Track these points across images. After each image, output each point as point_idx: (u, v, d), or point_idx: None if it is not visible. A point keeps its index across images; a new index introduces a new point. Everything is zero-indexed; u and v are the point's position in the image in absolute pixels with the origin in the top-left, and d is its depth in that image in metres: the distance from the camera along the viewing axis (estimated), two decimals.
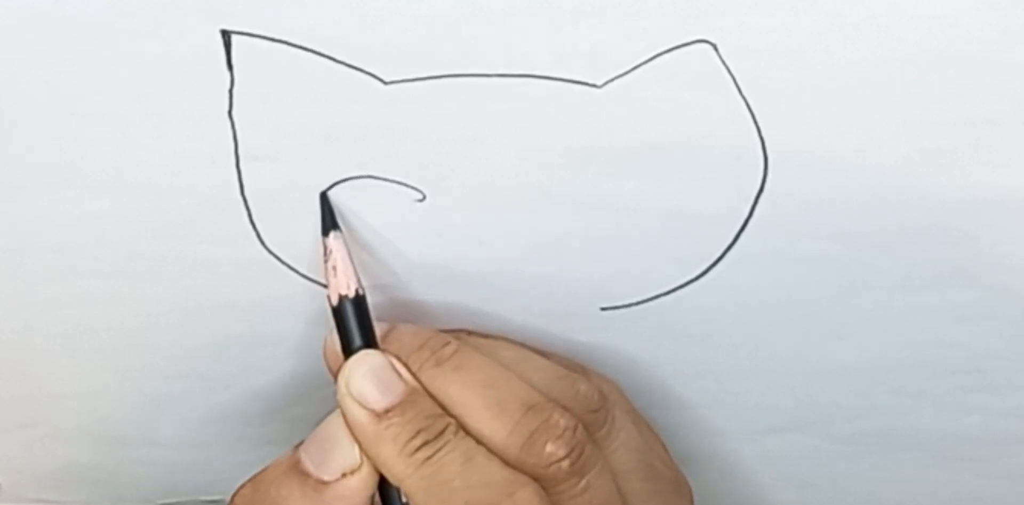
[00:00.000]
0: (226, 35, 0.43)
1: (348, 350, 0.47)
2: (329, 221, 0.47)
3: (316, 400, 0.53)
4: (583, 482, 0.47)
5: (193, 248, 0.48)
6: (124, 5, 0.42)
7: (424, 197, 0.47)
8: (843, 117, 0.43)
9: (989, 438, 0.52)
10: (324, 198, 0.47)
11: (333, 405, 0.52)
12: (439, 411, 0.46)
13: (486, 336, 0.50)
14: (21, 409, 0.53)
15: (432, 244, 0.48)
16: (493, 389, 0.47)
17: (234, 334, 0.51)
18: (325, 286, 0.49)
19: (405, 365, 0.47)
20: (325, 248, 0.47)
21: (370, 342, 0.47)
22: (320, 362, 0.51)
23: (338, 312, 0.47)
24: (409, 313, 0.50)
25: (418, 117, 0.44)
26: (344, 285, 0.47)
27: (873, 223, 0.46)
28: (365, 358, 0.47)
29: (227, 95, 0.44)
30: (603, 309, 0.49)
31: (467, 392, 0.47)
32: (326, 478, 0.47)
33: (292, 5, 0.42)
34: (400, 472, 0.46)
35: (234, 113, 0.45)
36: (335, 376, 0.48)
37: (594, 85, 0.43)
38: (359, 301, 0.47)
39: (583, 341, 0.50)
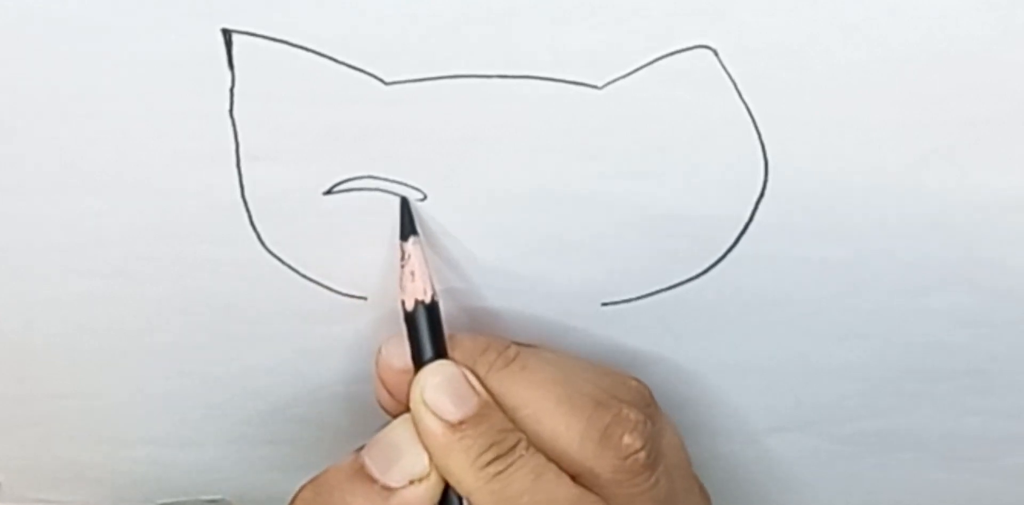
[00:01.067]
0: (227, 34, 0.43)
1: (419, 357, 0.47)
2: (409, 226, 0.47)
3: (316, 400, 0.53)
4: (654, 476, 0.47)
5: (193, 249, 0.48)
6: (124, 4, 0.42)
7: (425, 197, 0.47)
8: (843, 120, 0.43)
9: (989, 439, 0.52)
10: (404, 203, 0.47)
11: (334, 405, 0.53)
12: (511, 426, 0.47)
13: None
14: (21, 409, 0.53)
15: (432, 243, 0.48)
16: (561, 386, 0.47)
17: (234, 334, 0.51)
18: (326, 287, 0.49)
19: (475, 375, 0.47)
20: (403, 252, 0.47)
21: (441, 349, 0.47)
22: (321, 362, 0.51)
23: (412, 318, 0.47)
24: None
25: (419, 118, 0.44)
26: (421, 291, 0.47)
27: (874, 225, 0.46)
28: (440, 368, 0.47)
29: (228, 95, 0.44)
30: (604, 305, 0.49)
31: (537, 390, 0.47)
32: (392, 484, 0.47)
33: (293, 5, 0.42)
34: (470, 484, 0.46)
35: (235, 113, 0.45)
36: (386, 388, 0.48)
37: (595, 86, 0.43)
38: (433, 308, 0.47)
39: (584, 338, 0.50)
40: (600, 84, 0.43)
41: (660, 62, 0.43)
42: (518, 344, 0.49)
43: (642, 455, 0.47)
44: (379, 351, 0.48)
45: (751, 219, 0.46)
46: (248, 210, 0.47)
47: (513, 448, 0.46)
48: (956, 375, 0.50)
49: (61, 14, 0.43)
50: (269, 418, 0.54)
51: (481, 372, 0.47)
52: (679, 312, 0.49)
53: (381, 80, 0.44)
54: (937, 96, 0.43)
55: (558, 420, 0.47)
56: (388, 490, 0.47)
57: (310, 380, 0.52)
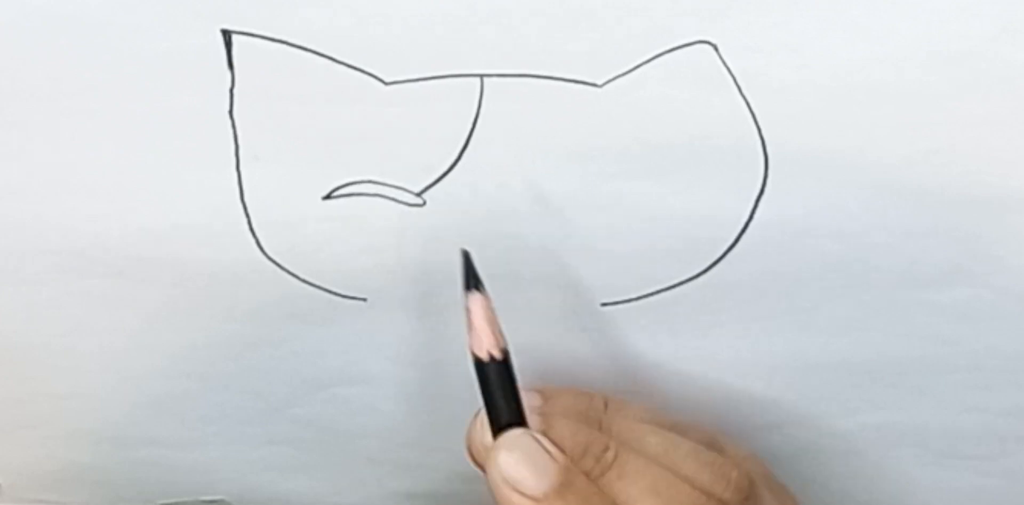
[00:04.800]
0: (227, 35, 0.43)
1: (491, 412, 0.46)
2: (472, 279, 0.46)
3: (316, 400, 0.53)
4: None
5: (192, 252, 0.48)
6: (124, 5, 0.42)
7: (424, 203, 0.47)
8: (843, 117, 0.43)
9: (989, 436, 0.52)
10: (466, 257, 0.46)
11: (334, 405, 0.52)
12: (595, 488, 0.45)
13: (625, 405, 0.49)
14: (21, 410, 0.53)
15: (433, 244, 0.48)
16: (659, 496, 0.46)
17: (234, 335, 0.51)
18: (326, 289, 0.49)
19: (552, 441, 0.45)
20: (467, 307, 0.46)
21: (512, 403, 0.46)
22: (321, 363, 0.51)
23: (478, 371, 0.46)
24: (413, 312, 0.50)
25: (419, 117, 0.44)
26: (480, 347, 0.45)
27: (873, 222, 0.46)
28: (515, 441, 0.45)
29: (228, 95, 0.44)
30: (603, 305, 0.49)
31: (634, 502, 0.45)
32: None
33: (292, 5, 0.42)
34: None
35: (235, 113, 0.45)
36: (475, 461, 0.47)
37: (595, 84, 0.44)
38: (500, 364, 0.45)
39: (584, 338, 0.50)
40: (600, 82, 0.43)
41: (660, 58, 0.43)
42: (617, 405, 0.48)
43: None
44: (468, 431, 0.47)
45: (751, 217, 0.46)
46: (247, 215, 0.47)
47: None
48: (957, 370, 0.50)
49: (61, 14, 0.43)
50: (269, 418, 0.54)
51: None
52: (679, 312, 0.49)
53: (381, 80, 0.44)
54: (937, 95, 0.43)
55: None
56: None
57: (310, 381, 0.52)
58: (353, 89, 0.44)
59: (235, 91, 0.44)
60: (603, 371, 0.51)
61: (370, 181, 0.46)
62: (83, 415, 0.53)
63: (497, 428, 0.45)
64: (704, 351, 0.50)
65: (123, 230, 0.48)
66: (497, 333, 0.45)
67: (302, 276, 0.48)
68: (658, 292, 0.49)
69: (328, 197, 0.47)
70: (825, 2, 0.41)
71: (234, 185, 0.46)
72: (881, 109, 0.43)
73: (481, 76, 0.44)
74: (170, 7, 0.43)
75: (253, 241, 0.48)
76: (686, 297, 0.48)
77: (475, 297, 0.45)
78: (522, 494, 0.44)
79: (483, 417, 0.46)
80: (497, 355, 0.45)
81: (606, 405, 0.49)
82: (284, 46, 0.43)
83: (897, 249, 0.47)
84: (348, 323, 0.50)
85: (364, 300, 0.49)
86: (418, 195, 0.47)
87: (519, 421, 0.45)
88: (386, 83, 0.44)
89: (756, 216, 0.46)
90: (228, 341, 0.51)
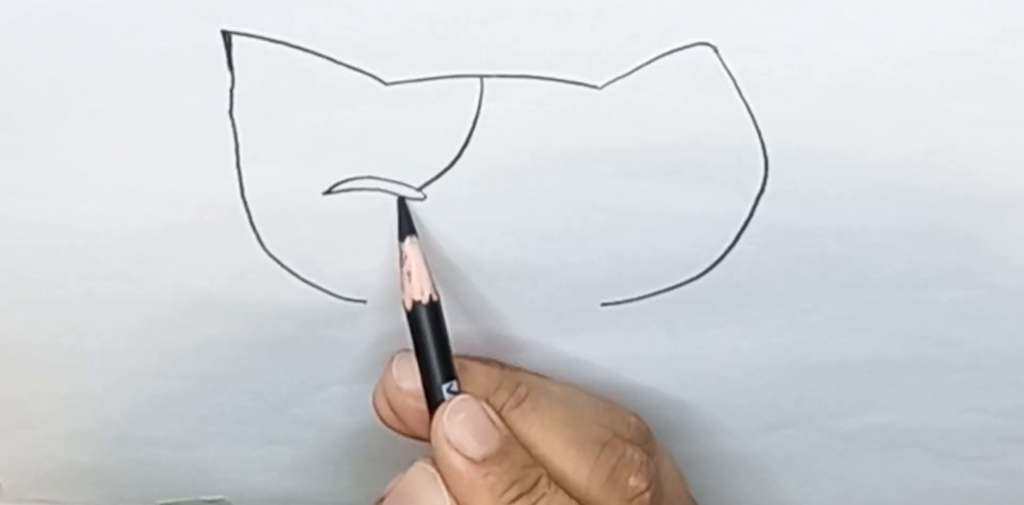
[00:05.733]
0: (227, 36, 0.43)
1: (424, 359, 0.47)
2: (406, 226, 0.47)
3: (316, 400, 0.53)
4: None
5: (193, 251, 0.48)
6: (124, 5, 0.42)
7: (424, 197, 0.47)
8: (843, 117, 0.43)
9: (989, 437, 0.52)
10: (402, 203, 0.47)
11: (334, 405, 0.52)
12: (532, 461, 0.47)
13: (520, 367, 0.50)
14: (21, 410, 0.53)
15: (432, 244, 0.48)
16: (570, 427, 0.48)
17: (234, 335, 0.51)
18: (326, 291, 0.49)
19: (497, 411, 0.47)
20: (401, 253, 0.47)
21: (446, 350, 0.47)
22: (321, 363, 0.51)
23: (413, 319, 0.47)
24: None
25: (418, 118, 0.44)
26: (418, 291, 0.47)
27: (873, 222, 0.46)
28: (462, 404, 0.47)
29: (228, 95, 0.44)
30: (604, 305, 0.49)
31: (548, 432, 0.48)
32: None
33: (292, 6, 0.42)
34: None
35: (235, 113, 0.45)
36: (391, 406, 0.49)
37: (595, 86, 0.44)
38: (433, 308, 0.47)
39: (584, 338, 0.50)
40: (600, 84, 0.43)
41: (660, 60, 0.43)
42: (524, 371, 0.50)
43: (647, 496, 0.48)
44: (388, 370, 0.49)
45: (751, 217, 0.46)
46: (248, 211, 0.47)
47: (536, 484, 0.47)
48: (957, 370, 0.50)
49: (61, 14, 0.43)
50: (269, 418, 0.54)
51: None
52: (679, 312, 0.49)
53: (381, 80, 0.44)
54: (937, 95, 0.43)
55: (567, 462, 0.47)
56: None
57: (310, 381, 0.52)
58: (353, 89, 0.44)
59: (235, 91, 0.44)
60: (603, 371, 0.51)
61: (371, 177, 0.46)
62: (83, 415, 0.53)
63: (428, 371, 0.47)
64: (704, 351, 0.50)
65: (123, 230, 0.47)
66: (432, 276, 0.47)
67: (303, 275, 0.48)
68: (658, 292, 0.49)
69: (329, 192, 0.47)
70: (825, 2, 0.41)
71: (234, 186, 0.46)
72: (881, 109, 0.43)
73: (481, 76, 0.44)
74: (170, 7, 0.43)
75: (254, 242, 0.48)
76: (687, 297, 0.48)
77: (413, 243, 0.47)
78: (461, 455, 0.46)
79: (404, 363, 0.48)
80: (434, 297, 0.47)
81: (502, 365, 0.50)
82: (284, 46, 0.43)
83: (897, 249, 0.47)
84: (348, 323, 0.50)
85: (364, 302, 0.49)
86: (418, 190, 0.47)
87: (450, 365, 0.47)
88: (386, 83, 0.44)
89: (756, 216, 0.46)
90: (228, 341, 0.51)
